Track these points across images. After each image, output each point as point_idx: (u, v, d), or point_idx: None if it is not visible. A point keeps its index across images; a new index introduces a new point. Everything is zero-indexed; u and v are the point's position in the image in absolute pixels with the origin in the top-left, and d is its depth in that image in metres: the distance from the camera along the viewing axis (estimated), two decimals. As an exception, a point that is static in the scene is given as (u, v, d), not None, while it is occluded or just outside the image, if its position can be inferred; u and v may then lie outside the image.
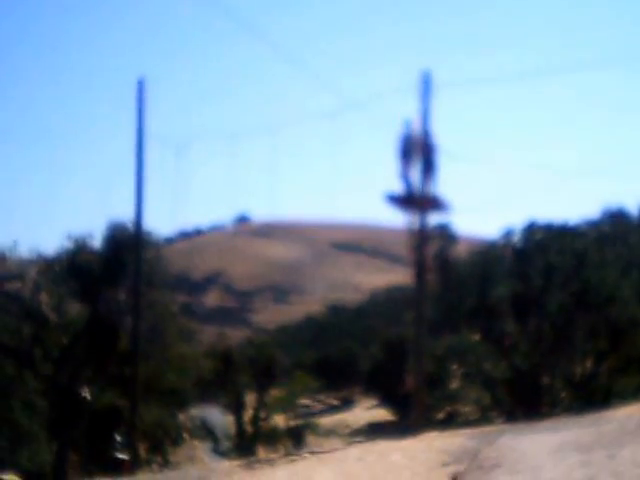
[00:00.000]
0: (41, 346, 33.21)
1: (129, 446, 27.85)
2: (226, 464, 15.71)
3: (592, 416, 13.70)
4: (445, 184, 20.79)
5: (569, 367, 34.66)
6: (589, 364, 34.82)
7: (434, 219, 22.49)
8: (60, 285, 33.63)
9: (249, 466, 13.82)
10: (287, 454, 16.00)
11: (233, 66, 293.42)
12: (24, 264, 34.90)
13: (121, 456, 29.08)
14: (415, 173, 19.98)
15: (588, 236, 40.29)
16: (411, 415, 22.32)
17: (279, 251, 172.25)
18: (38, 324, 33.18)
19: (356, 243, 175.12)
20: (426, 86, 20.92)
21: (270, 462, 14.05)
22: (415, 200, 20.05)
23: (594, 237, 40.02)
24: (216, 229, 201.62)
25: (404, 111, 20.84)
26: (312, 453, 14.92)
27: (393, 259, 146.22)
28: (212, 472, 13.58)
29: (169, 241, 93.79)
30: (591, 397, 29.73)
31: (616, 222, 52.65)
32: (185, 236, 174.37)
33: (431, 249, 25.03)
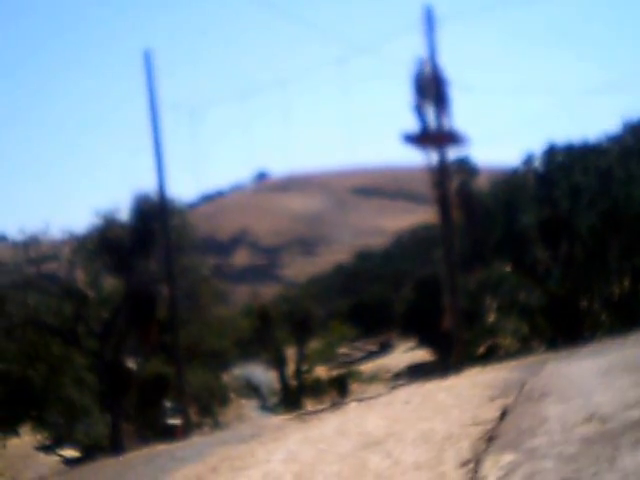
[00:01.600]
0: (84, 323, 34.10)
1: (179, 411, 28.42)
2: (276, 419, 15.67)
3: (636, 336, 13.54)
4: (460, 117, 20.64)
5: (606, 288, 34.45)
6: (626, 283, 34.57)
7: (453, 154, 22.35)
8: (94, 261, 34.39)
9: (299, 419, 13.80)
10: (334, 404, 15.96)
11: (237, 25, 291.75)
12: (57, 245, 35.71)
13: (173, 422, 29.55)
14: (430, 110, 19.77)
15: (611, 152, 39.73)
16: (451, 353, 22.31)
17: (301, 203, 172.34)
18: (78, 302, 34.01)
19: (376, 187, 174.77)
20: (429, 21, 20.65)
21: (319, 413, 14.03)
22: (432, 136, 19.88)
23: (617, 153, 39.44)
24: (237, 189, 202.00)
25: (412, 49, 20.64)
26: (358, 400, 14.89)
27: (415, 199, 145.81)
28: (263, 428, 13.56)
29: (192, 206, 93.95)
30: (632, 316, 29.47)
31: (638, 135, 51.93)
32: (207, 199, 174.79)
33: (453, 184, 24.78)
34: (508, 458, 6.74)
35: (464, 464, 7.08)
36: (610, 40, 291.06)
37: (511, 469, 6.39)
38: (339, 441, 10.01)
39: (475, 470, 6.72)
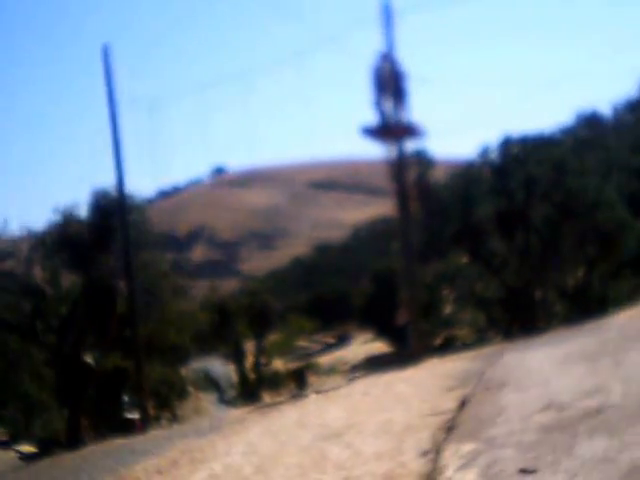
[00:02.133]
0: (42, 319, 33.96)
1: (138, 405, 28.41)
2: (236, 412, 15.74)
3: (591, 325, 13.70)
4: (418, 110, 20.69)
5: (561, 279, 34.78)
6: (581, 273, 34.94)
7: (411, 146, 22.46)
8: (52, 258, 34.27)
9: (259, 411, 13.85)
10: (293, 396, 16.02)
11: (196, 19, 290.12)
12: (16, 242, 35.47)
13: (131, 416, 29.53)
14: (388, 103, 19.85)
15: (565, 144, 40.15)
16: (408, 345, 22.41)
17: (259, 198, 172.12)
18: (36, 298, 34.05)
19: (334, 180, 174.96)
20: (387, 15, 20.73)
21: (278, 405, 14.08)
22: (390, 129, 19.95)
23: (571, 144, 39.88)
24: (194, 184, 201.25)
25: (371, 42, 20.72)
26: (318, 392, 14.94)
27: (372, 192, 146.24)
28: (223, 421, 13.59)
29: (150, 201, 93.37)
30: (586, 306, 29.80)
31: (591, 126, 52.51)
32: (164, 195, 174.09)
33: (410, 176, 24.90)
34: (468, 447, 6.78)
35: (424, 454, 7.12)
36: (566, 33, 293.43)
37: (471, 458, 6.43)
38: (299, 433, 10.04)
39: (435, 460, 6.75)
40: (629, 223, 33.49)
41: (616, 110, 60.51)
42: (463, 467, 6.26)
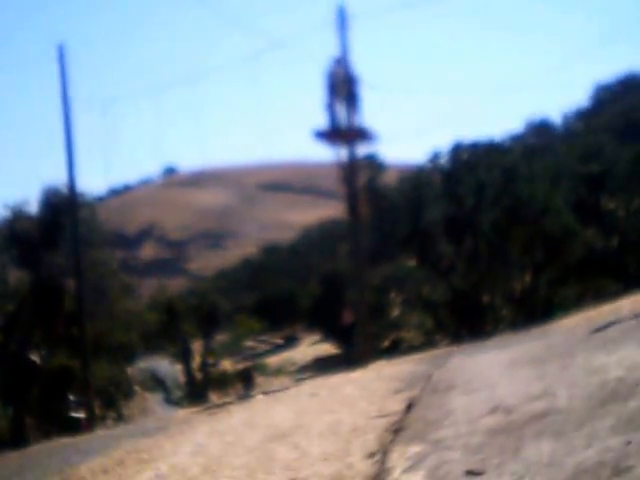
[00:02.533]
0: None
1: (83, 404, 28.19)
2: (182, 412, 15.66)
3: (538, 329, 13.85)
4: (370, 114, 20.82)
5: (508, 283, 35.11)
6: (528, 278, 35.29)
7: (362, 150, 22.58)
8: (0, 254, 33.76)
9: (206, 412, 13.80)
10: (241, 397, 15.99)
11: (150, 20, 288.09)
12: None
13: (76, 415, 29.26)
14: (341, 107, 19.95)
15: (515, 151, 40.59)
16: (354, 346, 22.49)
17: (209, 198, 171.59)
18: None
19: (284, 182, 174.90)
20: (342, 20, 20.82)
21: (226, 406, 14.04)
22: (342, 133, 20.05)
23: (521, 151, 40.30)
24: (145, 183, 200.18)
25: (326, 46, 20.82)
26: (265, 393, 14.94)
27: (322, 194, 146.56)
28: (170, 421, 13.51)
29: (100, 199, 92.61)
30: (533, 311, 30.10)
31: (541, 134, 53.16)
32: (115, 193, 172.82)
33: (361, 180, 25.00)
34: (415, 449, 6.81)
35: (371, 455, 7.15)
36: (519, 42, 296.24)
37: (418, 460, 6.45)
38: (246, 433, 10.02)
39: (382, 461, 6.78)
40: (576, 230, 33.94)
41: (566, 119, 61.40)
42: (410, 469, 6.28)
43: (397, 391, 10.40)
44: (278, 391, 14.94)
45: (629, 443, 5.26)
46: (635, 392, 6.67)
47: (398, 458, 6.68)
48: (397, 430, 7.88)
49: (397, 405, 9.28)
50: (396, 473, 6.26)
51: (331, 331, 57.66)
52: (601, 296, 21.73)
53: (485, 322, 32.60)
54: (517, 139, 49.69)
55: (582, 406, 6.82)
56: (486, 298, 34.48)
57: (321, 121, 19.95)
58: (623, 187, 35.70)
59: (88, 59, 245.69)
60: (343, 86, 19.66)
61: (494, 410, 7.56)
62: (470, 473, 5.75)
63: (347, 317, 26.92)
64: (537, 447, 5.91)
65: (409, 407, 8.95)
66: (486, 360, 11.31)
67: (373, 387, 11.50)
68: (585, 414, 6.49)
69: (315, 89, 19.81)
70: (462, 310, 33.64)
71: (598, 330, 10.97)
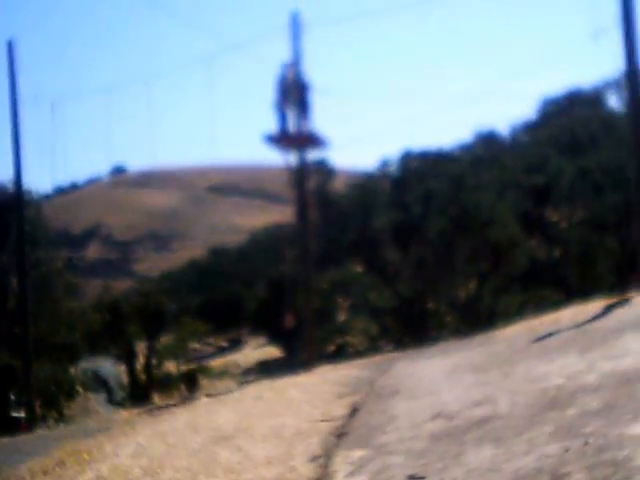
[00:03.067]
0: None
1: (24, 404, 27.77)
2: (125, 413, 15.57)
3: (481, 337, 14.00)
4: (321, 120, 20.87)
5: (453, 291, 35.36)
6: (472, 286, 35.59)
7: (313, 155, 22.61)
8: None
9: (149, 413, 13.76)
10: (185, 399, 15.95)
11: (104, 18, 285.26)
12: None
13: (17, 414, 28.83)
14: (292, 112, 20.00)
15: (463, 161, 40.94)
16: (298, 351, 22.51)
17: (157, 199, 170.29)
18: None
19: (233, 185, 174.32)
20: (295, 26, 20.85)
21: (170, 408, 14.00)
22: (293, 138, 20.07)
23: (469, 161, 40.66)
24: (92, 182, 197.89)
25: (278, 52, 20.84)
26: (210, 395, 14.91)
27: (271, 198, 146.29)
28: (111, 423, 13.43)
29: (46, 197, 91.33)
30: (476, 319, 30.36)
31: (489, 145, 53.65)
32: (61, 192, 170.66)
33: (310, 185, 25.06)
34: (358, 453, 6.84)
35: (314, 459, 7.16)
36: (469, 54, 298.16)
37: (361, 464, 6.48)
38: (190, 436, 9.99)
39: (325, 465, 6.79)
40: (520, 240, 34.33)
41: (513, 131, 62.07)
42: (353, 473, 6.31)
43: (341, 396, 10.45)
44: (222, 394, 14.93)
45: (567, 450, 5.31)
46: (574, 400, 6.77)
47: (341, 462, 6.71)
48: (341, 434, 7.91)
49: (341, 410, 9.33)
50: (339, 477, 6.28)
51: (276, 335, 57.52)
52: (543, 306, 22.01)
53: (429, 328, 32.83)
54: (465, 149, 50.12)
55: (522, 413, 6.90)
56: (431, 305, 34.73)
57: (272, 125, 20.02)
58: (566, 200, 36.19)
59: (38, 55, 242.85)
60: (294, 91, 19.71)
61: (437, 416, 7.63)
62: (412, 478, 5.78)
63: (289, 321, 26.92)
64: (478, 453, 5.97)
65: (353, 412, 8.99)
66: (429, 366, 11.40)
67: (317, 391, 11.53)
68: (525, 421, 6.56)
69: (268, 93, 19.87)
70: (407, 316, 33.85)
71: (539, 339, 11.12)
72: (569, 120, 47.03)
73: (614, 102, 52.66)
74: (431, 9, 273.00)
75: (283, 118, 19.91)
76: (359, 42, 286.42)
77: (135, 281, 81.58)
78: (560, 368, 8.48)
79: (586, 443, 5.32)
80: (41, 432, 17.26)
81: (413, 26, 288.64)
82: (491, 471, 5.43)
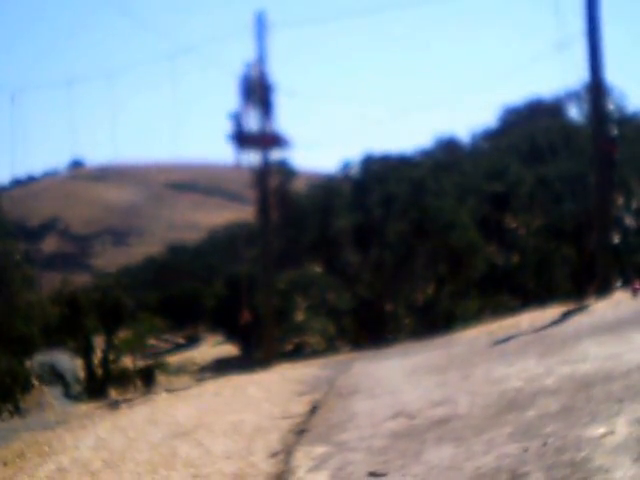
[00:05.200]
0: None
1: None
2: (83, 407, 15.49)
3: (440, 340, 14.12)
4: (284, 121, 20.93)
5: (411, 294, 35.49)
6: (430, 290, 35.73)
7: (275, 156, 22.57)
8: None
9: (109, 407, 13.71)
10: (144, 394, 15.89)
11: (67, 13, 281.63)
12: None
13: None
14: (256, 112, 20.03)
15: (424, 165, 41.08)
16: (254, 349, 22.52)
17: (115, 194, 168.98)
18: None
19: (192, 182, 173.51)
20: (261, 26, 20.82)
21: (129, 402, 13.97)
22: (256, 138, 20.10)
23: (430, 166, 40.81)
24: (49, 175, 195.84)
25: (242, 52, 20.81)
26: (169, 391, 14.89)
27: (230, 197, 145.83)
28: (70, 416, 13.37)
29: (2, 189, 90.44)
30: (433, 321, 30.50)
31: (449, 151, 53.89)
32: (18, 184, 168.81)
33: (271, 185, 25.08)
34: (319, 450, 6.91)
35: (274, 455, 7.24)
36: (432, 60, 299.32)
37: (322, 460, 6.55)
38: (149, 430, 10.01)
39: (286, 461, 6.85)
40: (479, 245, 34.55)
41: (474, 137, 62.43)
42: (314, 468, 6.37)
43: (301, 394, 10.51)
44: (181, 390, 14.91)
45: (526, 450, 5.38)
46: (533, 402, 6.86)
47: (302, 458, 6.77)
48: (301, 431, 7.97)
49: (301, 407, 9.39)
50: (300, 472, 6.34)
51: (233, 332, 57.36)
52: (500, 311, 22.25)
53: (387, 330, 32.91)
54: (426, 154, 50.27)
55: (482, 414, 6.99)
56: (389, 307, 34.81)
57: (235, 125, 19.98)
58: (525, 207, 36.47)
59: (4, 46, 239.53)
60: (258, 91, 19.72)
61: (397, 415, 7.70)
62: (373, 474, 5.86)
63: (244, 318, 26.85)
64: (438, 451, 6.05)
65: (313, 410, 9.05)
66: (389, 367, 11.49)
67: (277, 389, 11.59)
68: (485, 421, 6.65)
69: (231, 92, 19.89)
70: (365, 317, 33.89)
71: (499, 342, 11.26)
72: (529, 129, 47.37)
73: (574, 113, 53.21)
74: (395, 14, 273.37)
75: (245, 118, 19.95)
76: (322, 44, 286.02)
77: (92, 275, 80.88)
78: (519, 371, 8.58)
79: (545, 444, 5.38)
80: (-1, 424, 17.13)
81: (377, 30, 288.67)
82: (451, 469, 5.50)
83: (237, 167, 22.16)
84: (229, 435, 8.61)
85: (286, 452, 7.21)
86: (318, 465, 6.43)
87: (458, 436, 6.37)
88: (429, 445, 6.31)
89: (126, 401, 14.48)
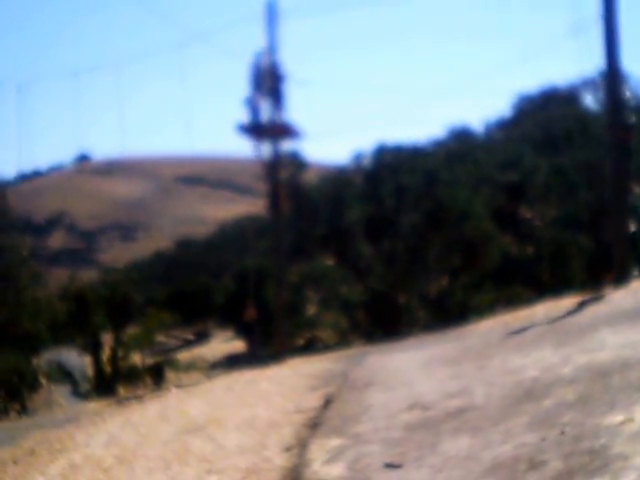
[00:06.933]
0: None
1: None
2: (93, 404, 15.45)
3: (454, 332, 14.03)
4: (296, 111, 20.79)
5: (425, 286, 35.33)
6: (444, 282, 35.58)
7: (286, 147, 22.44)
8: None
9: (119, 404, 13.67)
10: (155, 390, 15.86)
11: (74, 3, 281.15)
12: None
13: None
14: (267, 102, 19.88)
15: (437, 156, 40.88)
16: (261, 344, 22.44)
17: (123, 189, 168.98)
18: None
19: (200, 176, 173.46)
20: (272, 14, 20.66)
21: (139, 398, 13.92)
22: (267, 128, 19.95)
23: (443, 156, 40.60)
24: (55, 169, 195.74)
25: (253, 40, 20.71)
26: (179, 387, 14.83)
27: (239, 190, 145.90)
28: (81, 413, 13.33)
29: (9, 184, 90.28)
30: (448, 314, 30.31)
31: (462, 141, 53.62)
32: (24, 178, 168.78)
33: (283, 176, 25.01)
34: (334, 442, 6.84)
35: (288, 449, 7.17)
36: (446, 48, 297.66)
37: (338, 453, 6.49)
38: (161, 426, 9.95)
39: (301, 454, 6.79)
40: (494, 236, 34.38)
41: (487, 127, 62.16)
42: (330, 461, 6.31)
43: (314, 388, 10.44)
44: (192, 385, 14.87)
45: (544, 439, 5.34)
46: (550, 392, 6.82)
47: (317, 450, 6.71)
48: (315, 425, 7.91)
49: (314, 401, 9.32)
50: (316, 465, 6.28)
51: (243, 328, 57.29)
52: (514, 302, 22.09)
53: (400, 323, 32.74)
54: (439, 144, 50.03)
55: (498, 404, 6.93)
56: (402, 300, 34.64)
57: (245, 115, 19.87)
58: (540, 197, 36.27)
59: (4, 38, 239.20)
60: (269, 81, 19.57)
61: (412, 406, 7.64)
62: (389, 466, 5.81)
63: (249, 314, 26.75)
64: (455, 442, 6.00)
65: (327, 403, 8.99)
66: (403, 359, 11.41)
67: (289, 383, 11.52)
68: (501, 412, 6.59)
69: (242, 83, 19.73)
70: (378, 311, 33.74)
71: (514, 333, 11.18)
72: (544, 117, 47.06)
73: (590, 101, 52.82)
74: (408, 3, 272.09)
75: (256, 108, 19.78)
76: (334, 32, 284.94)
77: (99, 271, 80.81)
78: (535, 361, 8.52)
79: (562, 432, 5.35)
80: (7, 423, 17.09)
81: (389, 18, 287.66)
82: (469, 459, 5.47)
83: (251, 158, 22.05)
84: (242, 430, 8.54)
85: (301, 445, 7.15)
86: (333, 457, 6.37)
87: (475, 426, 6.31)
88: (445, 436, 6.25)
89: (136, 397, 14.44)
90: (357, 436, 6.90)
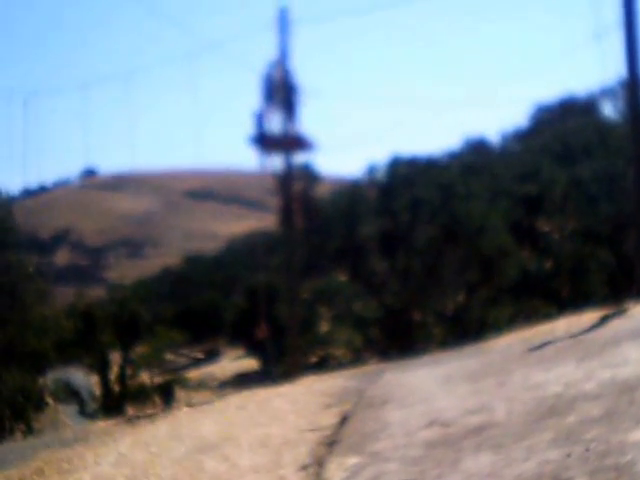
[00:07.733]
0: None
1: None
2: (102, 423, 15.28)
3: (472, 348, 13.88)
4: (308, 122, 20.59)
5: (441, 302, 34.97)
6: (461, 297, 35.21)
7: (299, 159, 22.17)
8: None
9: (129, 423, 13.49)
10: (165, 409, 15.68)
11: (80, 11, 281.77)
12: None
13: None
14: (279, 113, 19.71)
15: (452, 168, 40.49)
16: (273, 362, 22.26)
17: (130, 204, 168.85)
18: None
19: (209, 190, 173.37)
20: (284, 23, 20.51)
21: (150, 417, 13.75)
22: (279, 140, 19.77)
23: (459, 169, 40.21)
24: (62, 185, 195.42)
25: (264, 50, 20.51)
26: (190, 405, 14.66)
27: (249, 205, 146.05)
28: (89, 433, 13.16)
29: (13, 200, 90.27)
30: (465, 330, 29.96)
31: (478, 152, 53.27)
32: (29, 194, 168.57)
33: (295, 190, 24.86)
34: (352, 461, 6.70)
35: (304, 468, 7.02)
36: (459, 59, 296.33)
37: (356, 471, 6.35)
38: (172, 445, 9.79)
39: (318, 473, 6.65)
40: (511, 250, 34.02)
41: (504, 138, 61.81)
42: (348, 479, 6.19)
43: (328, 406, 10.29)
44: (204, 404, 14.70)
45: (569, 455, 5.26)
46: (573, 407, 6.70)
47: (335, 469, 6.57)
48: (332, 443, 7.75)
49: (329, 419, 9.17)
50: (334, 483, 6.15)
51: (254, 346, 57.07)
52: (534, 318, 21.80)
53: (415, 340, 32.34)
54: (455, 156, 49.68)
55: (521, 420, 6.80)
56: (418, 316, 34.28)
57: (256, 127, 19.63)
58: (559, 210, 35.89)
59: (13, 51, 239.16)
60: (281, 92, 19.39)
61: (431, 424, 7.50)
62: (409, 484, 5.67)
63: (262, 332, 26.57)
64: (476, 459, 5.87)
65: (343, 420, 8.84)
66: (421, 376, 11.25)
67: (303, 401, 11.37)
68: (524, 428, 6.46)
69: (253, 94, 19.57)
70: (393, 328, 33.40)
71: (535, 349, 11.02)
72: (562, 128, 46.61)
73: (609, 110, 52.42)
74: (422, 11, 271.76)
75: (268, 119, 19.61)
76: (347, 42, 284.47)
77: (106, 288, 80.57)
78: (558, 376, 8.39)
79: (587, 449, 5.30)
80: (15, 443, 16.94)
81: (404, 27, 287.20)
82: (491, 476, 5.38)
83: (260, 172, 21.87)
84: (256, 449, 8.39)
85: (317, 464, 7.00)
86: (352, 476, 6.24)
87: (497, 443, 6.17)
88: (466, 453, 6.10)
89: (146, 416, 14.26)
90: (375, 454, 6.76)
